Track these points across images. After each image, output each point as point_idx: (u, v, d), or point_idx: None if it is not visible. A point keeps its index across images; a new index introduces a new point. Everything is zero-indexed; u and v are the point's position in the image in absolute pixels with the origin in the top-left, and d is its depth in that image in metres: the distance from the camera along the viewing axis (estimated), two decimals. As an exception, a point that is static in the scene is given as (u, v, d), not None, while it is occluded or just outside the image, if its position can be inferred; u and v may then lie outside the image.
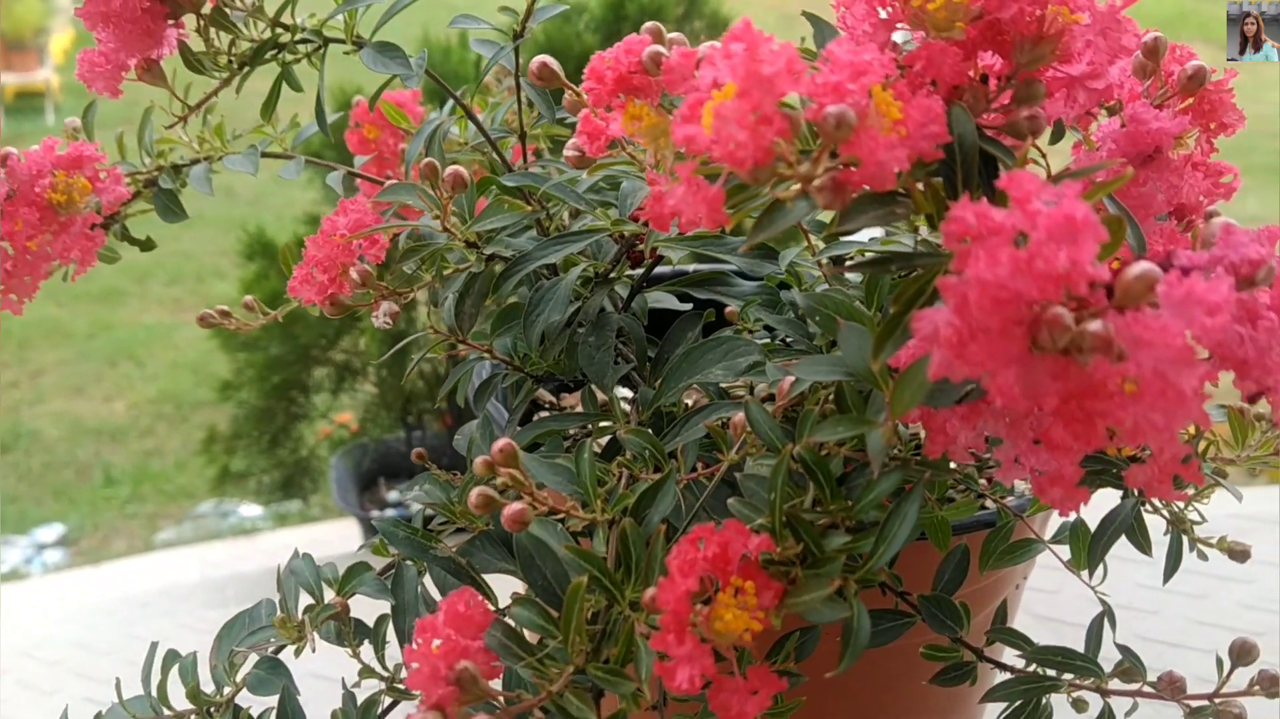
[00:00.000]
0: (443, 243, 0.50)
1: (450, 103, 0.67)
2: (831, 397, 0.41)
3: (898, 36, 0.39)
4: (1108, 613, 0.51)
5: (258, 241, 1.91)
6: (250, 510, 3.04)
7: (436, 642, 0.37)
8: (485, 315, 0.59)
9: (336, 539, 2.63)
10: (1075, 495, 0.35)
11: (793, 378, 0.43)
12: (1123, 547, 0.57)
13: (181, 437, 3.64)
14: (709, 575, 0.38)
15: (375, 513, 2.12)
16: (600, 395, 0.53)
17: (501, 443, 0.41)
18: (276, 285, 1.96)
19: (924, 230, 0.38)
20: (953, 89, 0.36)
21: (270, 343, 1.89)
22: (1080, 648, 0.49)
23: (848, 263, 0.35)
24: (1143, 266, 0.30)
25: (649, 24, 0.37)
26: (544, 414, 0.65)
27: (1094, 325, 0.30)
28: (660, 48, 0.36)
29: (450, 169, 0.46)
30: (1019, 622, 0.72)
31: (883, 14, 0.37)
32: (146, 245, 0.64)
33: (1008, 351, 0.30)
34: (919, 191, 0.33)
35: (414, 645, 0.37)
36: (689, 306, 0.58)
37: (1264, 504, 1.23)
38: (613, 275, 0.54)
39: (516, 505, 0.40)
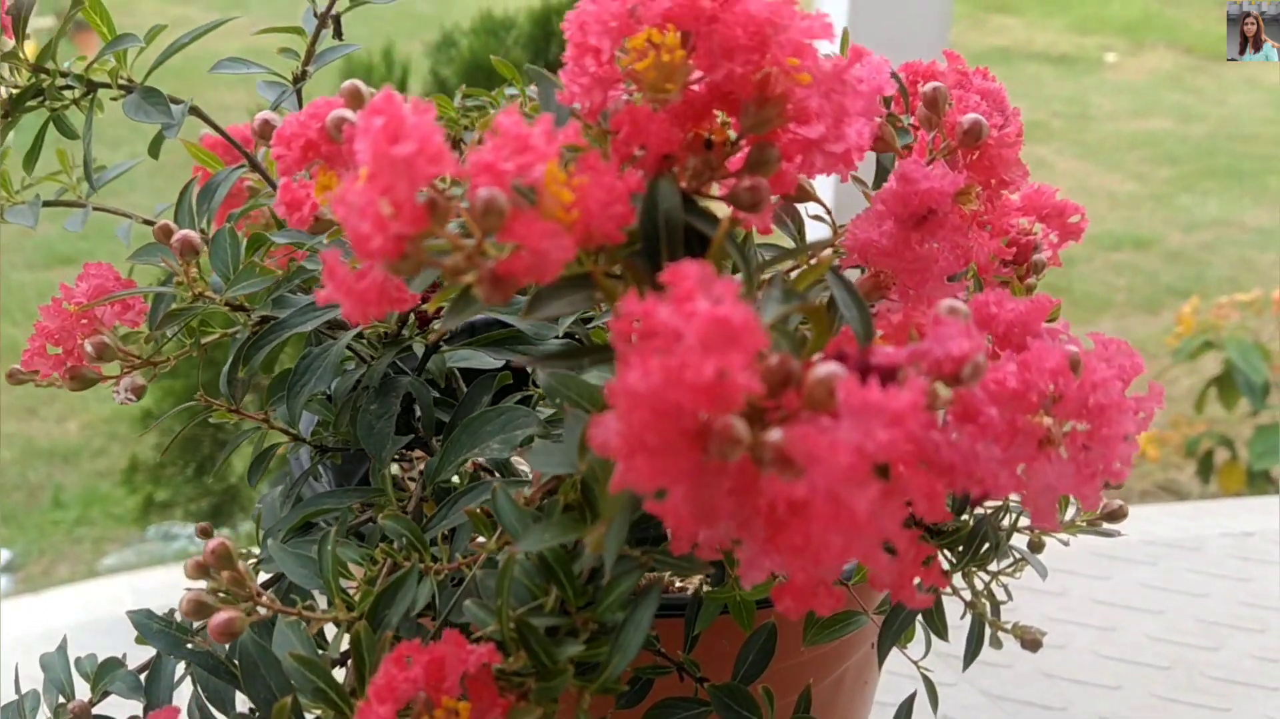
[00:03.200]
0: (200, 308, 0.46)
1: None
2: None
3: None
4: (929, 690, 0.48)
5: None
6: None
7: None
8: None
9: (278, 565, 2.58)
10: (810, 602, 0.31)
11: (547, 461, 0.39)
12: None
13: (134, 457, 3.57)
14: (423, 695, 0.34)
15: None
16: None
17: (214, 544, 0.37)
18: (197, 310, 1.90)
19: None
20: (663, 158, 0.32)
21: (191, 370, 1.84)
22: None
23: (541, 357, 0.31)
24: (825, 369, 0.26)
25: (348, 83, 0.34)
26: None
27: (773, 435, 0.26)
28: (347, 113, 0.32)
29: (180, 234, 0.43)
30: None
31: (594, 69, 0.33)
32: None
33: (674, 468, 0.26)
34: (604, 278, 0.30)
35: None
36: (501, 364, 0.55)
37: (1177, 528, 1.20)
38: (404, 334, 0.51)
39: (224, 614, 0.36)
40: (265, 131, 0.37)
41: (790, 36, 0.31)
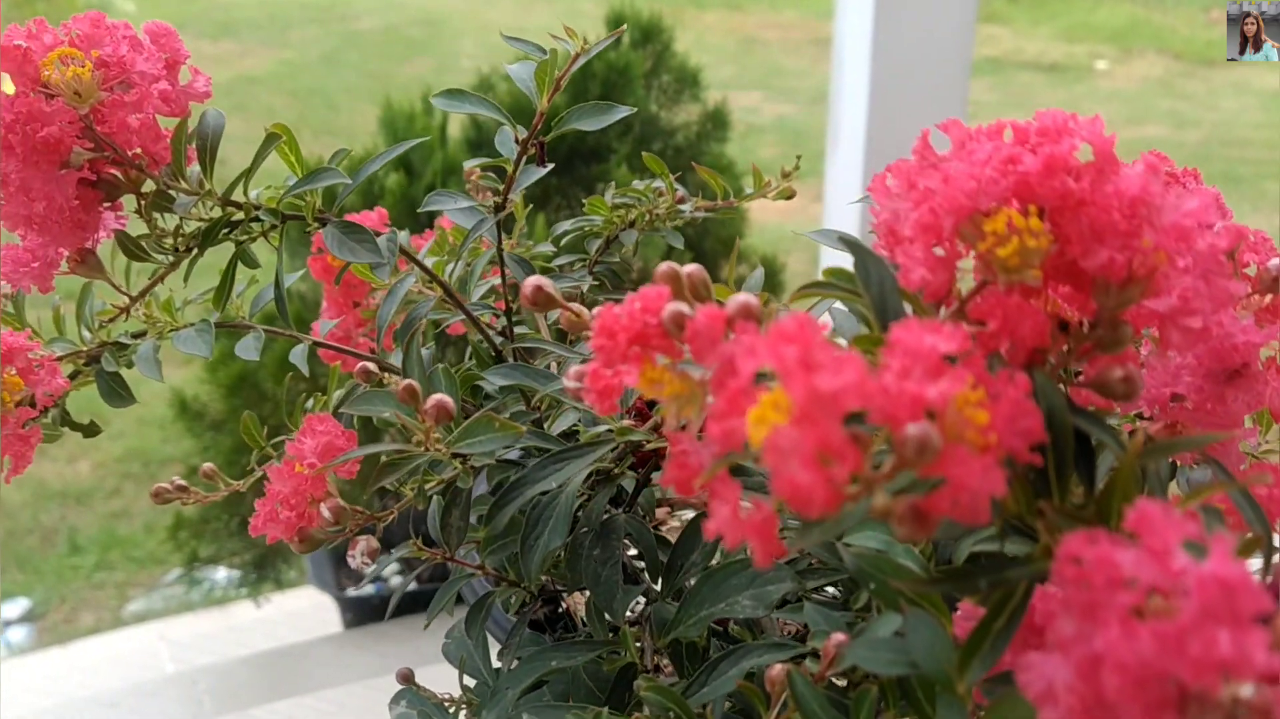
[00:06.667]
0: (424, 458, 0.43)
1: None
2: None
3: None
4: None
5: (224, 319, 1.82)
6: (223, 574, 2.91)
7: None
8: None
9: (312, 612, 2.52)
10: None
11: (840, 638, 0.37)
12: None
13: (178, 514, 3.51)
14: None
15: (351, 590, 2.05)
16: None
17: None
18: (241, 366, 1.88)
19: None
20: (1034, 351, 0.30)
21: (236, 424, 1.81)
22: None
23: (924, 580, 0.29)
24: (1302, 617, 0.24)
25: (664, 267, 0.32)
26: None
27: (1245, 692, 0.24)
28: (683, 307, 0.30)
29: (435, 399, 0.40)
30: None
31: (939, 252, 0.31)
32: (90, 431, 0.57)
33: (1146, 733, 0.24)
34: (1012, 503, 0.28)
35: None
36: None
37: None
38: (616, 471, 0.48)
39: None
40: (538, 299, 0.35)
41: (1175, 220, 0.29)
